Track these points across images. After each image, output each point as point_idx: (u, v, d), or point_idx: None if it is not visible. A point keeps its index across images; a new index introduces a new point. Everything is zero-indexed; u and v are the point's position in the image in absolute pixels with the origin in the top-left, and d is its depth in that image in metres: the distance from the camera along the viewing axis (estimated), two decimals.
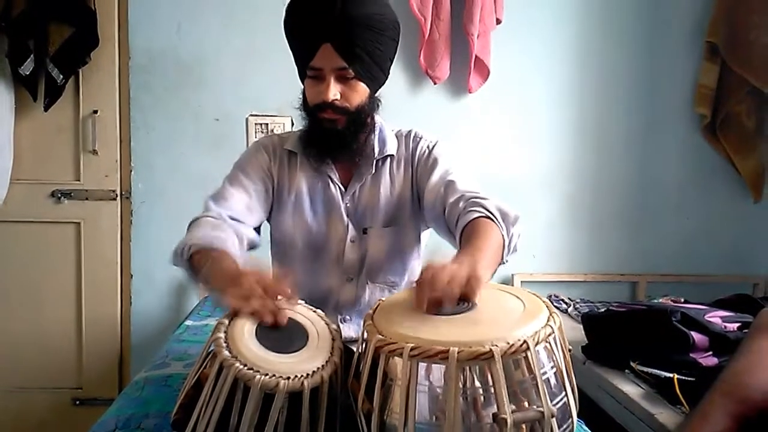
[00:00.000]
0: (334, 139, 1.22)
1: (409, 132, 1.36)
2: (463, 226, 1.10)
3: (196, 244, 1.09)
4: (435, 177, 1.26)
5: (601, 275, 2.68)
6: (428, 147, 1.33)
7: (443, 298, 0.83)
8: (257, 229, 1.30)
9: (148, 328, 2.49)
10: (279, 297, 0.93)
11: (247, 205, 1.25)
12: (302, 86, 1.27)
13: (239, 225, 1.21)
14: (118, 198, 2.43)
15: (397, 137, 1.35)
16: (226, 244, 1.11)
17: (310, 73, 1.19)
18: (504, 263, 1.10)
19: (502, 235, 1.07)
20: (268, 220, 1.36)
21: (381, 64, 1.21)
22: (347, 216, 1.30)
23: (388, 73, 1.27)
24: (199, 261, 1.08)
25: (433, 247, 1.40)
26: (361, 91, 1.20)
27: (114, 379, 2.47)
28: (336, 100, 1.18)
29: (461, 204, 1.15)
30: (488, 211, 1.10)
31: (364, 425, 0.83)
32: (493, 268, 1.00)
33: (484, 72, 2.49)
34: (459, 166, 1.29)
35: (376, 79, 1.23)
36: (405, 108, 2.48)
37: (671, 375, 1.48)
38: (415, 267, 1.37)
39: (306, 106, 1.25)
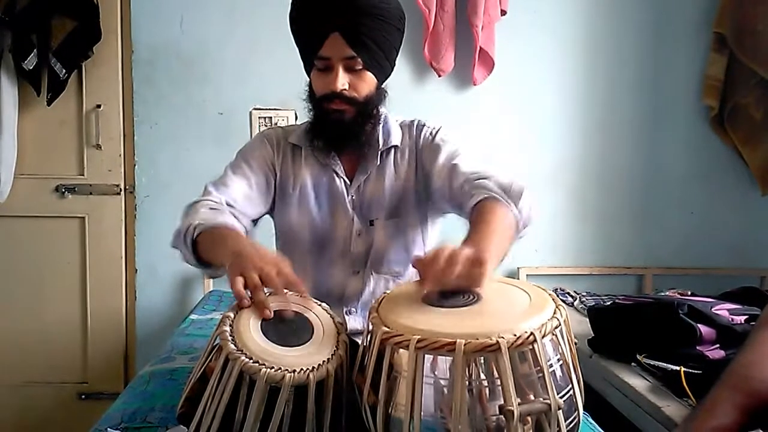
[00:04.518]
0: (341, 129, 1.22)
1: (413, 121, 1.36)
2: (470, 211, 1.10)
3: (201, 224, 1.08)
4: (440, 161, 1.25)
5: (607, 268, 2.67)
6: (431, 133, 1.32)
7: (443, 276, 0.83)
8: (255, 222, 1.29)
9: (153, 322, 2.50)
10: (290, 291, 0.93)
11: (246, 195, 1.25)
12: (307, 78, 1.26)
13: (236, 213, 1.20)
14: (122, 192, 2.44)
15: (401, 128, 1.34)
16: (232, 226, 1.10)
17: (318, 63, 1.19)
18: (520, 238, 1.09)
19: (512, 213, 1.07)
20: (272, 214, 1.35)
21: (388, 53, 1.21)
22: (353, 209, 1.30)
23: (395, 64, 1.27)
24: (204, 241, 1.07)
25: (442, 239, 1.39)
26: (369, 81, 1.20)
27: (119, 374, 2.48)
28: (344, 90, 1.18)
29: (465, 187, 1.15)
30: (491, 191, 1.09)
31: (370, 418, 0.83)
32: (501, 252, 0.98)
33: (488, 64, 2.48)
34: (462, 147, 1.28)
35: (383, 69, 1.23)
36: (409, 100, 2.47)
37: (678, 368, 1.48)
38: None
39: (312, 98, 1.25)
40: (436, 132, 1.32)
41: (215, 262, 1.05)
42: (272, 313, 0.88)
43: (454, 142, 1.30)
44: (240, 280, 0.89)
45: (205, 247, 1.08)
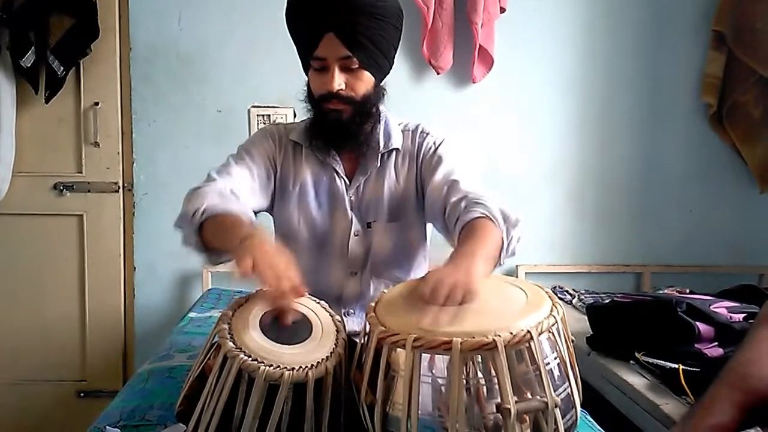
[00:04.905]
0: (339, 129, 1.21)
1: (417, 127, 1.34)
2: (462, 226, 1.09)
3: (210, 209, 1.07)
4: (438, 175, 1.25)
5: (605, 266, 2.67)
6: (434, 144, 1.31)
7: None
8: (255, 215, 1.28)
9: (152, 320, 2.49)
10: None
11: (249, 186, 1.24)
12: (306, 78, 1.26)
13: (240, 202, 1.19)
14: (121, 190, 2.43)
15: (403, 132, 1.33)
16: (243, 213, 1.09)
17: (314, 64, 1.19)
18: (500, 265, 1.09)
19: (502, 237, 1.07)
20: (271, 211, 1.35)
21: (385, 52, 1.20)
22: (351, 210, 1.29)
23: (393, 62, 1.26)
24: (212, 226, 1.06)
25: (436, 243, 1.39)
26: (366, 80, 1.20)
27: (118, 372, 2.48)
28: (341, 89, 1.18)
29: (463, 204, 1.14)
30: (489, 211, 1.09)
31: (367, 417, 0.83)
32: (490, 268, 0.99)
33: (488, 62, 2.47)
34: (464, 165, 1.28)
35: (381, 67, 1.22)
36: (408, 98, 2.47)
37: (676, 366, 1.48)
38: (421, 263, 1.36)
39: (311, 98, 1.24)
40: (439, 144, 1.31)
41: (222, 247, 1.04)
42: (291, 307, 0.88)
43: (455, 158, 1.29)
44: (249, 262, 0.88)
45: (212, 232, 1.06)
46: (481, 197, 1.14)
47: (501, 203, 1.13)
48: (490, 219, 1.08)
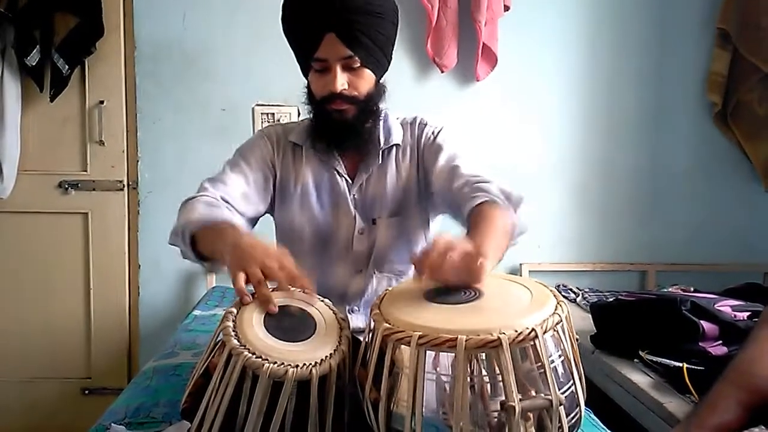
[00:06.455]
0: (344, 129, 1.21)
1: (414, 119, 1.35)
2: (469, 212, 1.10)
3: (199, 220, 1.08)
4: (441, 162, 1.25)
5: (610, 264, 2.67)
6: (433, 133, 1.32)
7: (438, 265, 0.83)
8: (253, 223, 1.28)
9: (157, 317, 2.50)
10: (294, 287, 0.93)
11: (243, 193, 1.24)
12: (306, 80, 1.26)
13: (232, 210, 1.19)
14: (125, 188, 2.44)
15: (402, 126, 1.34)
16: (230, 220, 1.09)
17: (315, 65, 1.18)
18: (514, 244, 1.10)
19: (511, 217, 1.07)
20: (272, 214, 1.35)
21: (384, 49, 1.21)
22: (354, 208, 1.29)
23: (391, 58, 1.26)
24: (203, 237, 1.07)
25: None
26: (367, 79, 1.20)
27: (123, 369, 2.49)
28: (344, 89, 1.18)
29: (465, 189, 1.15)
30: (492, 194, 1.10)
31: (372, 414, 0.83)
32: (499, 251, 0.99)
33: (492, 60, 2.47)
34: (464, 150, 1.29)
35: (381, 64, 1.23)
36: (412, 97, 2.47)
37: (680, 364, 1.48)
38: None
39: (312, 99, 1.24)
40: (438, 132, 1.32)
41: (215, 257, 1.05)
42: (276, 307, 0.88)
43: (455, 144, 1.30)
44: (242, 276, 0.88)
45: (204, 243, 1.07)
46: (482, 180, 1.15)
47: (502, 183, 1.14)
48: (495, 202, 1.08)
